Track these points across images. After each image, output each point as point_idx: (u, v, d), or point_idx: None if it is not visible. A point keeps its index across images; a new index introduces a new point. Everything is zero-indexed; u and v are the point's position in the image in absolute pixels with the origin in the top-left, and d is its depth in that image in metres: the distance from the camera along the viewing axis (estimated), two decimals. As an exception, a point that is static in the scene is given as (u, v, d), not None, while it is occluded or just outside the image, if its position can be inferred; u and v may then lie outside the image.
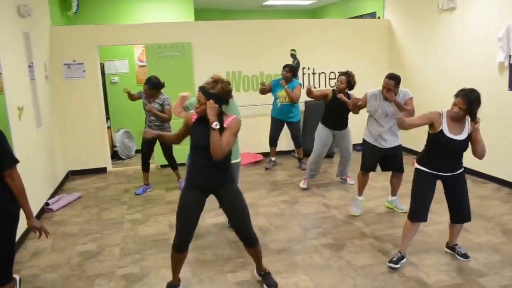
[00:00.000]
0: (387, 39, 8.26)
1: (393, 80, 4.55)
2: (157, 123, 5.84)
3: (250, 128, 6.73)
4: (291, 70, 6.70)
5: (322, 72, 8.07)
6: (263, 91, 6.85)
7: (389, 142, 4.78)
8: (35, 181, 5.31)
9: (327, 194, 5.77)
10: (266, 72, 7.75)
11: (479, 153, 3.56)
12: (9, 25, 4.93)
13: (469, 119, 3.53)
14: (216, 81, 3.11)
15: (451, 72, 6.61)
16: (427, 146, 3.74)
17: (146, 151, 6.06)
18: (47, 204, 5.54)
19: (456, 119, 3.53)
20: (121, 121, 8.76)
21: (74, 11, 7.76)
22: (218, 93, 3.08)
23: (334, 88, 5.78)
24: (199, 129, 3.17)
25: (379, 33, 8.25)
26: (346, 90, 5.67)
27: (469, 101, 3.41)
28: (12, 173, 2.79)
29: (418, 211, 3.67)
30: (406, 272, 3.66)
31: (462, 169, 3.69)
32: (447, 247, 3.99)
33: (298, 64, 7.92)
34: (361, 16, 9.33)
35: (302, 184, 6.01)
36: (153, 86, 5.76)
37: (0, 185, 2.79)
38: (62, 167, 6.92)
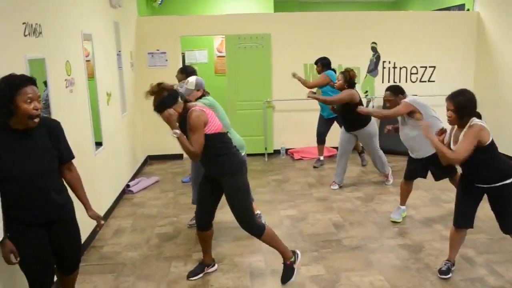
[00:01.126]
0: (475, 34, 7.74)
1: (388, 91, 4.45)
2: None
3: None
4: (322, 64, 6.47)
5: (404, 67, 7.75)
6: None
7: (416, 153, 4.40)
8: (119, 163, 5.61)
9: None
10: (344, 65, 7.56)
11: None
12: (102, 15, 5.21)
13: (467, 126, 3.15)
14: (151, 93, 3.08)
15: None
16: None
17: None
18: (128, 186, 5.83)
19: (457, 126, 3.24)
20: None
21: (159, 2, 8.07)
22: (161, 101, 3.06)
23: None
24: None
25: (467, 27, 7.74)
26: (346, 87, 5.43)
27: (457, 103, 3.13)
28: (71, 165, 2.76)
29: (457, 217, 3.45)
30: (490, 281, 3.44)
31: (504, 182, 3.20)
32: None
33: (378, 57, 7.67)
34: (448, 8, 8.83)
35: (332, 186, 5.81)
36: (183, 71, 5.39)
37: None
38: (142, 151, 7.24)
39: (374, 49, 7.66)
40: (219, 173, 3.32)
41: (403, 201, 4.75)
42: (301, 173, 6.56)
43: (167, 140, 7.49)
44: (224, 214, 4.93)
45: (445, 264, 3.54)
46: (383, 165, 5.83)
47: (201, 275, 3.61)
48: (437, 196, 5.44)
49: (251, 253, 3.98)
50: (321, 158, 6.92)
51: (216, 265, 3.72)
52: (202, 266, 3.65)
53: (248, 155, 6.74)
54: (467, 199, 3.40)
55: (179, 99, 3.13)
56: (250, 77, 7.30)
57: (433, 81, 7.76)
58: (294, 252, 3.48)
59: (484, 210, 4.82)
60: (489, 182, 3.25)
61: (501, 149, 3.46)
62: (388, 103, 4.48)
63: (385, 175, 5.94)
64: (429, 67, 7.76)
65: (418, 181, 6.00)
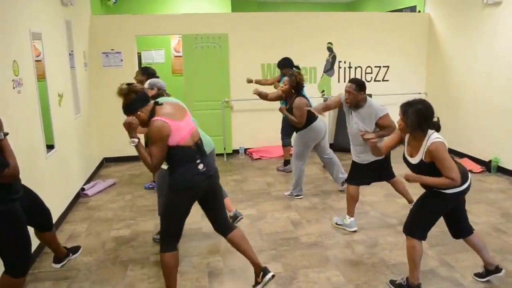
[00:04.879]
0: (427, 34, 8.03)
1: (354, 84, 4.16)
2: None
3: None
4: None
5: (359, 66, 7.93)
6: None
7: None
8: (72, 166, 5.45)
9: (360, 190, 5.67)
10: (302, 65, 7.67)
11: None
12: (53, 13, 5.05)
13: (425, 141, 3.03)
14: (119, 94, 3.01)
15: (493, 71, 6.37)
16: None
17: None
18: (82, 189, 5.68)
19: (411, 136, 3.13)
20: (156, 111, 8.86)
21: (114, 1, 7.90)
22: (129, 103, 2.98)
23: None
24: None
25: (418, 28, 8.02)
26: (292, 91, 5.15)
27: (405, 113, 3.01)
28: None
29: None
30: (440, 272, 3.58)
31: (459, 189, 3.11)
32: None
33: (334, 57, 7.81)
34: (400, 10, 9.11)
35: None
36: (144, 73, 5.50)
37: None
38: (98, 154, 7.07)
39: (330, 49, 7.80)
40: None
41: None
42: (260, 172, 6.59)
43: (124, 142, 7.36)
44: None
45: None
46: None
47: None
48: (391, 192, 5.58)
49: (209, 254, 3.96)
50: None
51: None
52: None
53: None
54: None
55: (149, 102, 3.01)
56: (208, 77, 7.27)
57: (387, 81, 7.98)
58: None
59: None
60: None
61: (451, 146, 3.57)
62: (348, 94, 4.20)
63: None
64: (383, 67, 7.98)
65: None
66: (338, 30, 7.78)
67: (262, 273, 3.26)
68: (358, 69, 7.94)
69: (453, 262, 3.73)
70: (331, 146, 6.84)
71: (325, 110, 4.70)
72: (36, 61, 4.38)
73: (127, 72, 7.16)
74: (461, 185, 3.06)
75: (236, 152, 7.66)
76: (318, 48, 7.73)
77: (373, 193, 5.52)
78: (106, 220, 4.84)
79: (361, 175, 4.40)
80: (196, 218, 4.79)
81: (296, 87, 5.14)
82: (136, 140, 2.96)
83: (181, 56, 7.94)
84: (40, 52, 4.54)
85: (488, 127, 6.51)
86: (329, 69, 7.84)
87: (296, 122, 5.10)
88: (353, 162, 4.45)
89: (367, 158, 4.27)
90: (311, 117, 5.13)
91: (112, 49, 7.08)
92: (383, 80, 8.02)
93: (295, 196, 5.40)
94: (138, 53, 7.88)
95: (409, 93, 7.40)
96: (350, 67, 7.86)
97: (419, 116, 2.96)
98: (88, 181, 6.08)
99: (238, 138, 7.65)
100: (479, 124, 6.71)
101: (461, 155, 6.94)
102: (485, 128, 6.58)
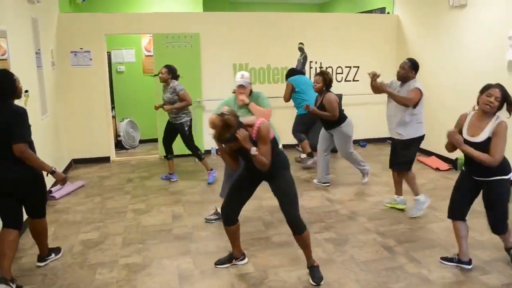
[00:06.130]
0: (396, 35, 8.19)
1: (409, 62, 4.59)
2: (174, 115, 5.90)
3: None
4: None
5: (329, 67, 8.01)
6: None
7: (393, 131, 4.73)
8: (40, 168, 5.30)
9: (330, 189, 5.75)
10: (273, 65, 7.70)
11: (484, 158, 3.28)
12: (18, 10, 4.91)
13: (493, 120, 3.30)
14: (212, 126, 3.09)
15: (460, 69, 6.55)
16: None
17: (166, 140, 6.11)
18: (50, 192, 5.53)
19: (486, 115, 3.33)
20: (126, 111, 8.75)
21: (82, -1, 7.75)
22: (231, 131, 3.06)
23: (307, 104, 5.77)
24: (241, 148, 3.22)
25: (388, 29, 8.17)
26: (324, 89, 5.60)
27: (503, 91, 3.30)
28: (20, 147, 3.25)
29: (450, 208, 3.62)
30: (408, 268, 3.64)
31: (499, 177, 3.35)
32: (506, 249, 3.74)
33: (305, 57, 7.86)
34: (370, 11, 9.25)
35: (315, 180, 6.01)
36: (171, 71, 5.87)
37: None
38: (66, 155, 6.92)
39: (301, 50, 7.85)
40: (272, 168, 3.31)
41: (398, 191, 4.98)
42: (232, 172, 6.57)
43: (94, 142, 7.28)
44: (151, 217, 4.86)
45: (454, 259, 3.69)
46: (359, 163, 5.87)
47: (227, 265, 3.68)
48: (361, 190, 5.68)
49: (179, 255, 3.93)
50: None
51: (246, 259, 3.77)
52: (231, 258, 3.71)
53: (178, 156, 6.70)
54: (460, 192, 3.56)
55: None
56: (179, 77, 7.20)
57: (357, 81, 8.09)
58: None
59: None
60: (488, 175, 3.36)
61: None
62: (402, 69, 4.59)
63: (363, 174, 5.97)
64: (354, 67, 8.09)
65: (343, 178, 6.25)
66: (310, 30, 7.84)
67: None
68: (329, 69, 8.01)
69: (420, 258, 3.80)
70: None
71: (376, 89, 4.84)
72: (0, 59, 4.26)
73: (97, 71, 7.06)
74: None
75: (208, 152, 7.62)
76: (290, 48, 7.77)
77: (344, 192, 5.58)
78: (74, 223, 4.74)
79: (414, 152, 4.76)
80: (168, 220, 4.76)
81: (328, 85, 5.58)
82: (255, 148, 3.15)
83: (152, 56, 7.85)
84: (5, 51, 4.41)
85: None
86: (300, 69, 7.88)
87: (331, 116, 5.45)
88: (399, 142, 4.69)
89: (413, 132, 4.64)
90: (342, 112, 5.67)
91: (81, 48, 6.94)
92: (353, 80, 8.12)
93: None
94: (108, 52, 7.76)
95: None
96: (321, 67, 7.93)
97: (507, 97, 3.30)
98: (55, 183, 5.93)
99: (210, 138, 7.57)
100: (446, 124, 6.83)
101: (429, 153, 7.09)
102: (451, 127, 6.72)
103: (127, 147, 8.48)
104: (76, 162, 7.19)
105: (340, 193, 5.55)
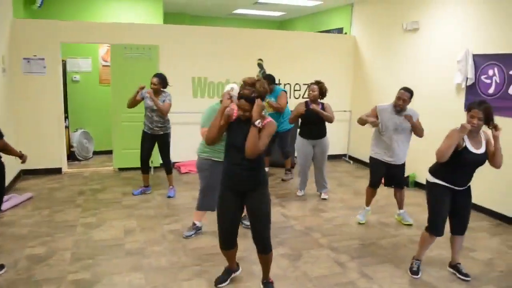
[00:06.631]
0: (352, 54, 8.44)
1: (409, 93, 4.81)
2: (160, 125, 5.79)
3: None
4: (265, 78, 6.68)
5: (287, 83, 8.14)
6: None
7: (397, 158, 4.91)
8: (-15, 178, 5.05)
9: (286, 204, 5.80)
10: (232, 80, 7.72)
11: (498, 162, 3.61)
12: (-34, 14, 4.71)
13: (482, 133, 3.63)
14: (252, 84, 3.20)
15: (414, 90, 6.77)
16: (445, 162, 3.59)
17: (146, 152, 5.96)
18: (-4, 203, 5.28)
19: (475, 133, 3.58)
20: (80, 121, 8.51)
21: (39, 5, 7.51)
22: (260, 94, 3.17)
23: (307, 100, 5.95)
24: (238, 128, 3.22)
25: (345, 49, 8.42)
26: (319, 100, 5.88)
27: (486, 111, 3.48)
28: None
29: (439, 225, 3.73)
30: (360, 284, 3.70)
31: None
32: (450, 266, 3.98)
33: (264, 73, 7.94)
34: (328, 31, 9.49)
35: (299, 193, 6.24)
36: (163, 80, 5.80)
37: None
38: (15, 165, 6.62)
39: (260, 66, 7.94)
40: (253, 183, 3.28)
41: (368, 203, 5.22)
42: (187, 186, 6.51)
43: (45, 153, 7.01)
44: (103, 231, 4.73)
45: (415, 264, 3.91)
46: (325, 179, 6.14)
47: (228, 281, 3.64)
48: (316, 206, 5.76)
49: (131, 271, 3.83)
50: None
51: (240, 268, 3.79)
52: (230, 272, 3.69)
53: (133, 168, 6.57)
54: (447, 206, 3.72)
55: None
56: (137, 89, 7.08)
57: (315, 98, 8.23)
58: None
59: (355, 218, 5.20)
60: (468, 184, 3.76)
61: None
62: (403, 101, 4.82)
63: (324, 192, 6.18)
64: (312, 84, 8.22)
65: (298, 195, 6.31)
66: (269, 47, 7.95)
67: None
68: (287, 86, 8.13)
69: (371, 274, 3.88)
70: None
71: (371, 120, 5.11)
72: None
73: (51, 79, 6.84)
74: None
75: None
76: (249, 64, 7.83)
77: (299, 208, 5.64)
78: (20, 237, 4.53)
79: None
80: (120, 235, 4.64)
81: (323, 94, 5.91)
82: (261, 122, 3.12)
83: (109, 66, 7.71)
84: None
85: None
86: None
87: (331, 118, 5.87)
88: (401, 165, 5.00)
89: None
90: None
91: (34, 55, 6.72)
92: (311, 98, 8.25)
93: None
94: (63, 60, 7.55)
95: (335, 110, 7.63)
96: (279, 84, 8.03)
97: (488, 115, 3.51)
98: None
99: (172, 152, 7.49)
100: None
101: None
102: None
103: (80, 158, 8.23)
104: (26, 173, 6.90)
105: (295, 209, 5.60)
